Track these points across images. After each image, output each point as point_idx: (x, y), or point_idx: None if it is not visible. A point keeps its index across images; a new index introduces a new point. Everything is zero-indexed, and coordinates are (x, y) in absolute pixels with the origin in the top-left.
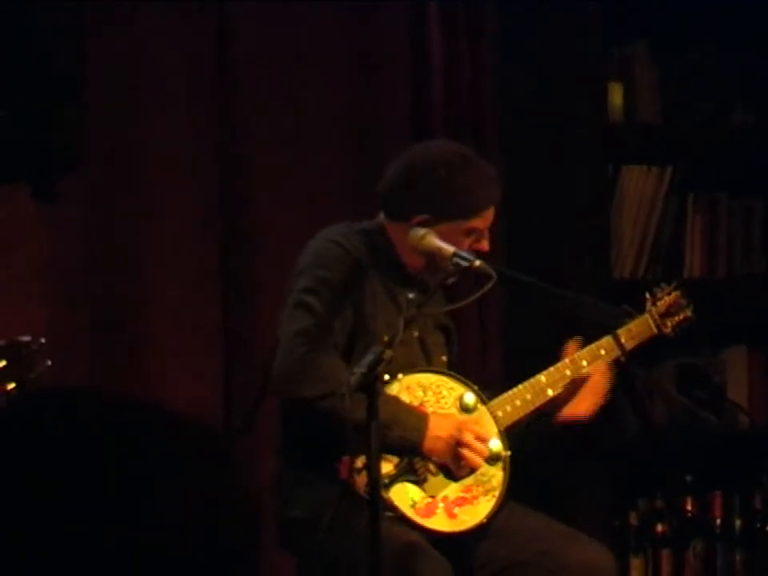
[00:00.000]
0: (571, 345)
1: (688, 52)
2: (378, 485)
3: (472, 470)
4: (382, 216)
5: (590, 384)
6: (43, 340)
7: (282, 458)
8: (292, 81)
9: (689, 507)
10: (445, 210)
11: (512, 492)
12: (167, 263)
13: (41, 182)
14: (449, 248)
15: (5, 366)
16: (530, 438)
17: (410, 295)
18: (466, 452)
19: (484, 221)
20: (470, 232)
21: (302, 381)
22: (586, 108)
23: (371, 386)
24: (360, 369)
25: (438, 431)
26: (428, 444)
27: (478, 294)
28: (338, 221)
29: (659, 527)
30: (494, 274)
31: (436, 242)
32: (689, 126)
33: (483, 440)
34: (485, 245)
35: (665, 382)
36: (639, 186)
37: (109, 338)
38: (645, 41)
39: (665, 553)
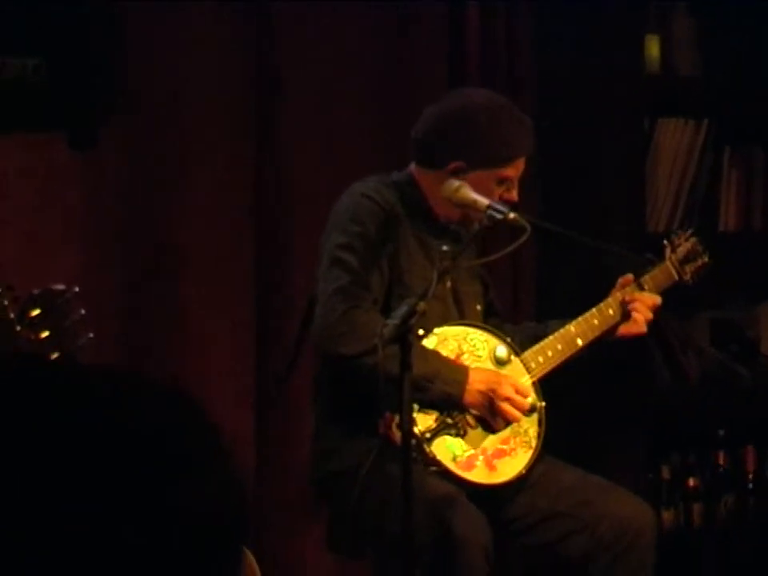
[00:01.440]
0: (623, 281)
1: (727, 3)
2: (409, 436)
3: (509, 422)
4: (413, 166)
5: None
6: (77, 289)
7: (319, 411)
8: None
9: (721, 461)
10: (480, 157)
11: (547, 446)
12: (203, 211)
13: (80, 130)
14: (483, 200)
15: (38, 314)
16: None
17: (444, 247)
18: (505, 405)
19: (516, 170)
20: (501, 181)
21: (342, 339)
22: (623, 60)
23: (404, 338)
24: (393, 320)
25: (477, 385)
26: (468, 397)
27: (512, 247)
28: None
29: (691, 481)
30: (528, 226)
31: (471, 194)
32: (726, 80)
33: (523, 394)
34: (514, 194)
35: (698, 336)
36: (675, 139)
37: (143, 290)
38: None
39: (696, 506)
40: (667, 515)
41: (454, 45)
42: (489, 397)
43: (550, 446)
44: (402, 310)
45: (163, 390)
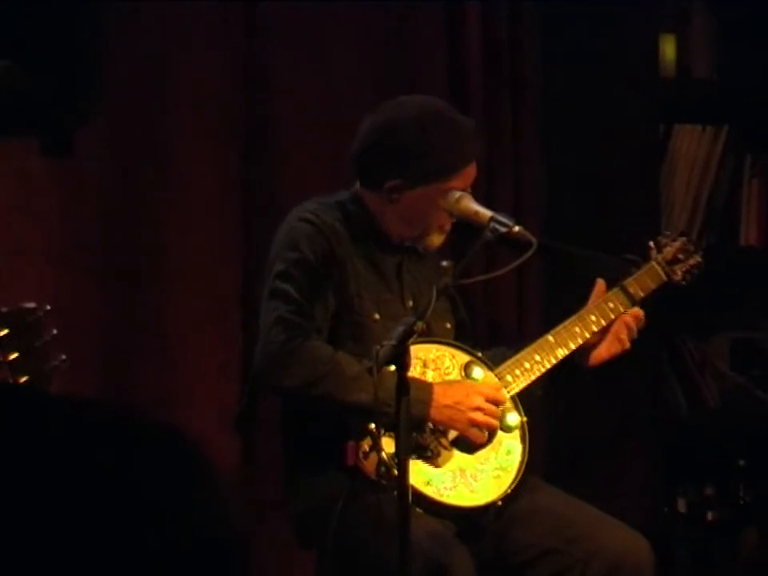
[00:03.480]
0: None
1: (747, 1)
2: (406, 470)
3: (490, 435)
4: (357, 184)
5: (612, 330)
6: (48, 307)
7: (287, 447)
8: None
9: (741, 494)
10: (419, 173)
11: (546, 476)
12: (190, 220)
13: (53, 135)
14: (486, 212)
15: (6, 335)
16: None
17: (443, 263)
18: (476, 415)
19: (464, 180)
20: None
21: (283, 371)
22: (636, 62)
23: (401, 359)
24: (390, 341)
25: (444, 400)
26: (435, 415)
27: (517, 263)
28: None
29: (709, 515)
30: (534, 240)
31: (473, 205)
32: (747, 83)
33: (494, 400)
34: None
35: (717, 358)
36: (692, 147)
37: (123, 306)
38: None
39: (715, 543)
40: (683, 553)
41: (453, 46)
42: (460, 411)
43: (548, 475)
44: (399, 329)
45: (140, 428)
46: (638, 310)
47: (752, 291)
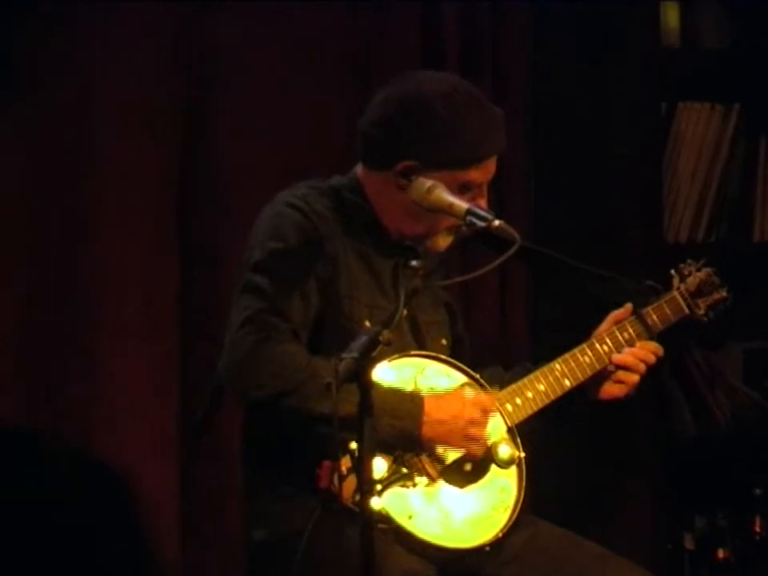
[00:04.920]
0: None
1: None
2: (368, 498)
3: (483, 469)
4: (359, 167)
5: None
6: None
7: (249, 466)
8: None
9: (757, 528)
10: (437, 156)
11: (540, 507)
12: (119, 219)
13: None
14: (462, 204)
15: None
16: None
17: (413, 262)
18: (474, 431)
19: (484, 173)
20: (465, 187)
21: (253, 378)
22: (635, 32)
23: (364, 374)
24: (351, 353)
25: (438, 414)
26: (428, 431)
27: (497, 262)
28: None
29: (720, 552)
30: (517, 236)
31: (446, 196)
32: (760, 54)
33: (488, 411)
34: (483, 204)
35: (729, 372)
36: (699, 128)
37: (45, 314)
38: None
39: None
40: None
41: (427, 21)
42: (456, 425)
43: (542, 508)
44: (362, 340)
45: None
46: (657, 346)
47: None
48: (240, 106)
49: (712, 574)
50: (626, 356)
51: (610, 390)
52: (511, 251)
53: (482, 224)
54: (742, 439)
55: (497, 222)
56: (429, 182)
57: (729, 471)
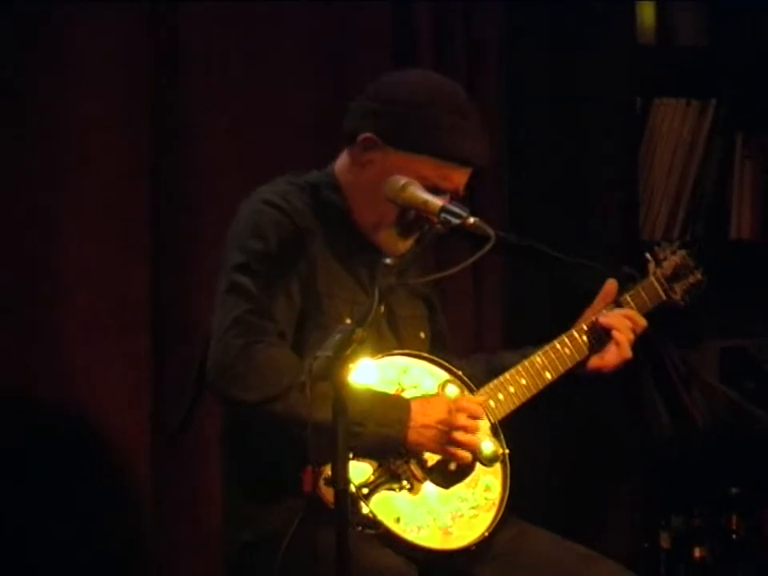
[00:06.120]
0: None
1: None
2: (345, 498)
3: (467, 469)
4: (335, 163)
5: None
6: None
7: (229, 468)
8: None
9: (734, 527)
10: (399, 132)
11: (520, 508)
12: (87, 218)
13: None
14: (436, 201)
15: None
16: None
17: (387, 260)
18: (460, 436)
19: (451, 181)
20: (432, 190)
21: (242, 381)
22: (610, 28)
23: (337, 374)
24: (324, 352)
25: (424, 419)
26: (413, 437)
27: (472, 259)
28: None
29: (697, 551)
30: (492, 233)
31: (420, 194)
32: (736, 50)
33: (477, 417)
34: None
35: (706, 371)
36: (675, 124)
37: (11, 318)
38: None
39: None
40: None
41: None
42: (441, 431)
43: (522, 508)
44: (335, 338)
45: None
46: (640, 318)
47: (744, 292)
48: (212, 103)
49: (688, 573)
50: (609, 318)
51: (602, 357)
52: (487, 248)
53: (456, 221)
54: (719, 438)
55: (472, 219)
56: (403, 179)
57: (706, 470)
